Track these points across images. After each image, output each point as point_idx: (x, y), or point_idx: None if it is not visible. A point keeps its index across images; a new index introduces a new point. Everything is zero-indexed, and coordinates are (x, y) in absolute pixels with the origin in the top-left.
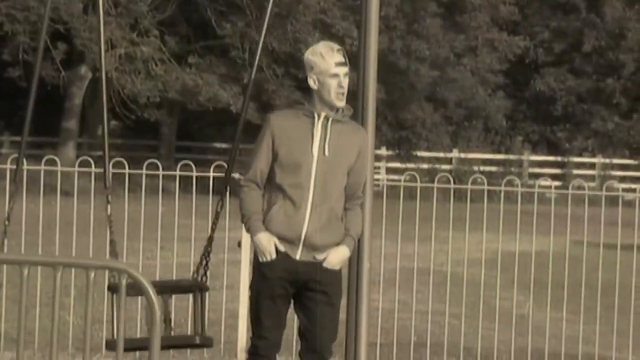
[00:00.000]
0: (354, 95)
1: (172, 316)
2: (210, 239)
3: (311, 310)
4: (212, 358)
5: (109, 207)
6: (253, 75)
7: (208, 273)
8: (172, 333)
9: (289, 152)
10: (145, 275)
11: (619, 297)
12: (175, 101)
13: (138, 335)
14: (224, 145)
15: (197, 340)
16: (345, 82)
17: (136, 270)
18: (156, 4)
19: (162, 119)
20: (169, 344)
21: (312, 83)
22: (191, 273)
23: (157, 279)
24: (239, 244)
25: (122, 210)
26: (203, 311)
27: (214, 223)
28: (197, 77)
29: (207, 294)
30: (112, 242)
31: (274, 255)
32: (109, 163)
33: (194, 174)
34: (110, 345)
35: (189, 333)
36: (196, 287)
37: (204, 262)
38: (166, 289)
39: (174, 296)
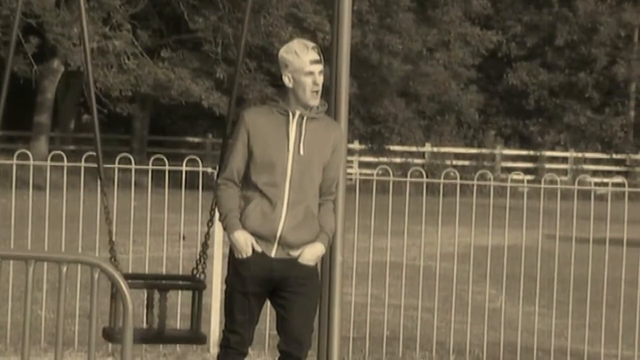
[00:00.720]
0: (327, 90)
1: (155, 311)
2: (206, 236)
3: (289, 304)
4: (185, 351)
5: (104, 199)
6: (237, 78)
7: (206, 271)
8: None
9: (264, 151)
10: (117, 270)
11: (591, 291)
12: (147, 95)
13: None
14: (196, 139)
15: (195, 337)
16: (319, 79)
17: (109, 265)
18: None
19: (135, 113)
20: (165, 339)
21: (287, 81)
22: (192, 270)
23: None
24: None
25: (94, 204)
26: (200, 308)
27: (210, 220)
28: (169, 71)
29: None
30: (109, 232)
31: (250, 253)
32: (101, 157)
33: (167, 168)
34: (107, 335)
35: (177, 327)
36: (194, 285)
37: (203, 260)
38: (165, 285)
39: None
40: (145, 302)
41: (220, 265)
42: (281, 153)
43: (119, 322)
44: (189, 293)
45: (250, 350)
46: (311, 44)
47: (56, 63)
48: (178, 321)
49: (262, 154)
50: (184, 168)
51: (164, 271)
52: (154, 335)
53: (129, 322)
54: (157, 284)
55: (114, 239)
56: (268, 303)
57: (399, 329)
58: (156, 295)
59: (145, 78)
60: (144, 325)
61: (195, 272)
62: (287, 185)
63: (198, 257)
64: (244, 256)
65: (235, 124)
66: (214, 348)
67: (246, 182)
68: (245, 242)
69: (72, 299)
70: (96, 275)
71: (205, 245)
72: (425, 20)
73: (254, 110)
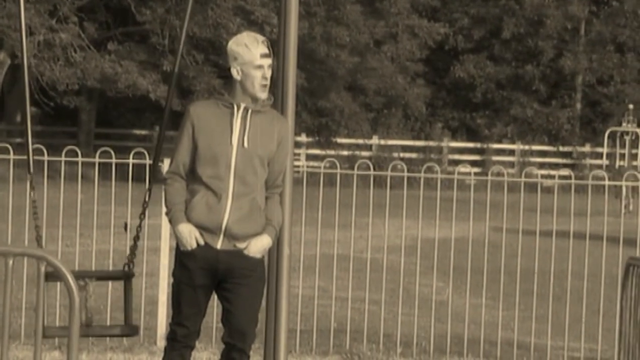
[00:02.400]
0: (274, 83)
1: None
2: (137, 228)
3: (233, 295)
4: (132, 344)
5: (33, 193)
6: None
7: (135, 261)
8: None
9: (208, 144)
10: (65, 263)
11: (537, 284)
12: (94, 88)
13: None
14: (143, 132)
15: (125, 330)
16: (268, 73)
17: (55, 258)
18: None
19: (81, 106)
20: (96, 333)
21: (236, 74)
22: (123, 263)
23: (77, 265)
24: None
25: (41, 197)
26: (130, 300)
27: (142, 212)
28: (116, 64)
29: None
30: (37, 227)
31: (194, 245)
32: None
33: (113, 160)
34: (49, 332)
35: (108, 320)
36: (125, 276)
37: (132, 250)
38: (93, 274)
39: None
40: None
41: (167, 258)
42: (225, 146)
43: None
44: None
45: (197, 343)
46: (261, 38)
47: (2, 55)
48: (109, 314)
49: (206, 147)
50: (130, 161)
51: (110, 264)
52: (84, 329)
53: (76, 315)
54: (84, 273)
55: (41, 233)
56: (215, 296)
57: (346, 322)
58: (87, 288)
59: (92, 71)
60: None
61: (126, 264)
62: (232, 177)
63: (130, 249)
64: (189, 248)
65: (181, 114)
66: (161, 341)
67: (192, 175)
68: (190, 235)
69: (19, 292)
70: (42, 268)
71: (137, 238)
72: (372, 13)
73: (199, 103)
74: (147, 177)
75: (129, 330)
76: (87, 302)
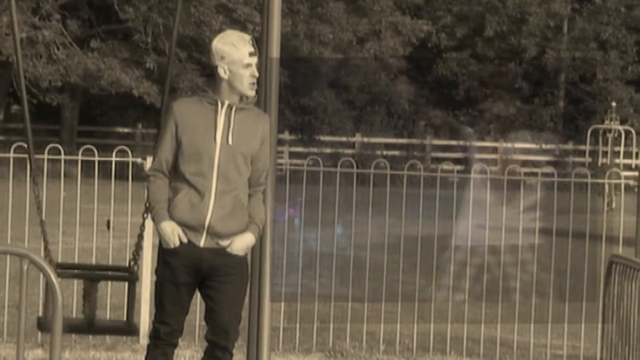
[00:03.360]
0: (258, 80)
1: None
2: (141, 227)
3: (216, 293)
4: (115, 342)
5: (35, 189)
6: (170, 73)
7: (139, 262)
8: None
9: (192, 141)
10: (47, 260)
11: (520, 281)
12: (77, 85)
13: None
14: (126, 130)
15: (126, 329)
16: (256, 72)
17: (38, 255)
18: None
19: (64, 103)
20: (99, 329)
21: (222, 72)
22: (127, 262)
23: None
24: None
25: (23, 195)
26: (134, 299)
27: (145, 212)
28: (99, 61)
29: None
30: (42, 222)
31: (177, 243)
32: (32, 146)
33: (96, 158)
34: (41, 325)
35: (108, 318)
36: (128, 276)
37: (137, 251)
38: (98, 275)
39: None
40: (83, 292)
41: (151, 255)
42: (208, 143)
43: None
44: (118, 284)
45: (180, 341)
46: (247, 36)
47: None
48: (108, 312)
49: (189, 144)
50: (113, 159)
51: (93, 261)
52: (87, 326)
53: (59, 312)
54: (89, 274)
55: (45, 228)
56: (198, 294)
57: (330, 320)
58: (89, 286)
59: (75, 68)
60: (80, 315)
61: (131, 264)
62: (215, 175)
63: (134, 248)
64: (171, 246)
65: (165, 114)
66: (144, 339)
67: (175, 172)
68: (172, 232)
69: (1, 290)
70: (25, 266)
71: (140, 237)
72: (356, 10)
73: (182, 101)
74: (129, 175)
75: (131, 329)
76: (91, 299)
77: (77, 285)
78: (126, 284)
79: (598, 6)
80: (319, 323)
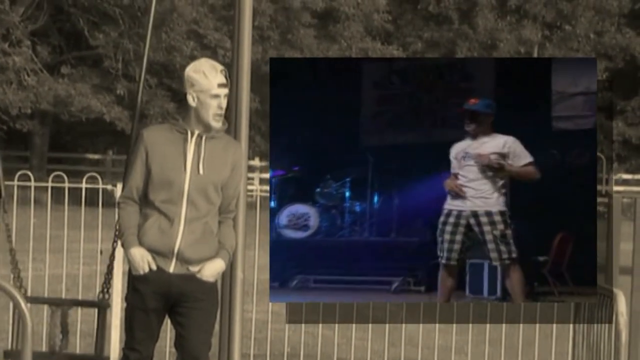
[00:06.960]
0: (228, 106)
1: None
2: (111, 257)
3: (186, 319)
4: None
5: (5, 216)
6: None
7: (111, 290)
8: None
9: (161, 170)
10: (17, 288)
11: (491, 307)
12: (47, 112)
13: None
14: (96, 156)
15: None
16: (224, 103)
17: (7, 283)
18: (28, 14)
19: (34, 130)
20: None
21: (191, 100)
22: (97, 289)
23: (29, 291)
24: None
25: None
26: (104, 328)
27: (115, 240)
28: (70, 87)
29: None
30: (11, 250)
31: (146, 270)
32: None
33: (66, 185)
34: (9, 357)
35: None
36: (99, 303)
37: (108, 279)
38: (68, 301)
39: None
40: (49, 322)
41: (121, 282)
42: (178, 172)
43: (19, 344)
44: (89, 310)
45: None
46: (220, 67)
47: None
48: (78, 339)
49: (159, 173)
50: (83, 185)
51: (63, 288)
52: (57, 358)
53: (28, 342)
54: (59, 300)
55: (16, 256)
56: (169, 321)
57: (300, 346)
58: (58, 316)
59: (45, 94)
60: (47, 347)
61: (101, 293)
62: (185, 203)
63: (105, 277)
64: (141, 272)
65: (135, 141)
66: None
67: (145, 199)
68: (142, 259)
69: None
70: None
71: (110, 266)
72: (326, 36)
73: (153, 128)
74: (100, 202)
75: (101, 359)
76: (58, 329)
77: (47, 313)
78: (96, 310)
79: (568, 32)
80: (289, 349)
